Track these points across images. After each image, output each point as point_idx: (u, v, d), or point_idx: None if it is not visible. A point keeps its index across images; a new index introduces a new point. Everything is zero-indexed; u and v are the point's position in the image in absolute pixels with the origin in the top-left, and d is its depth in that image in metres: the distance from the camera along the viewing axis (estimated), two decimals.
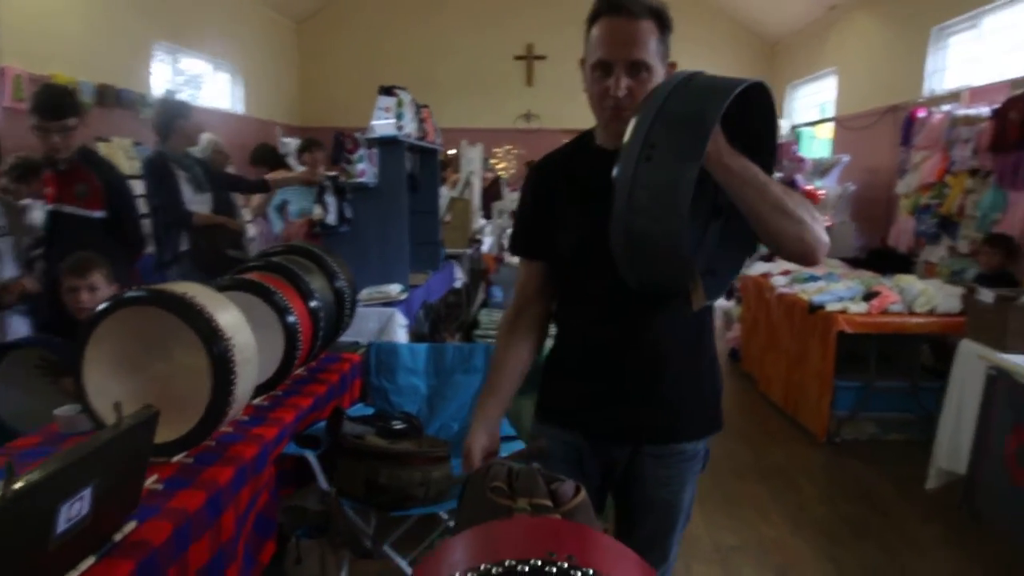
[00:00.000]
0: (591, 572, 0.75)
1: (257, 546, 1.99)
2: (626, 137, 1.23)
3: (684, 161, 1.16)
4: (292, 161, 6.02)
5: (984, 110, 4.64)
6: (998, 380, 2.90)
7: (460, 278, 5.44)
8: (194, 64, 8.18)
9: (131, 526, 1.45)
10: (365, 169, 3.66)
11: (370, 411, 2.78)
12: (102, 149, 5.52)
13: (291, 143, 8.36)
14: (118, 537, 1.41)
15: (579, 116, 8.95)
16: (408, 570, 2.38)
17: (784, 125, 9.71)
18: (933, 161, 5.16)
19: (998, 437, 2.88)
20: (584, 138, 1.63)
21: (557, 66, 10.54)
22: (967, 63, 5.73)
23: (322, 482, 2.30)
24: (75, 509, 1.24)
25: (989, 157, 4.43)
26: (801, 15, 8.85)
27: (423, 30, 10.62)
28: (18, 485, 1.07)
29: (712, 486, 3.40)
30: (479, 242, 6.41)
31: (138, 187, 5.89)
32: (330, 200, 3.65)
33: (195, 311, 1.74)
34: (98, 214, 3.23)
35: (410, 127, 3.86)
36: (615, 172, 1.23)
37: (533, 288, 1.61)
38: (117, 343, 1.80)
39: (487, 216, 7.48)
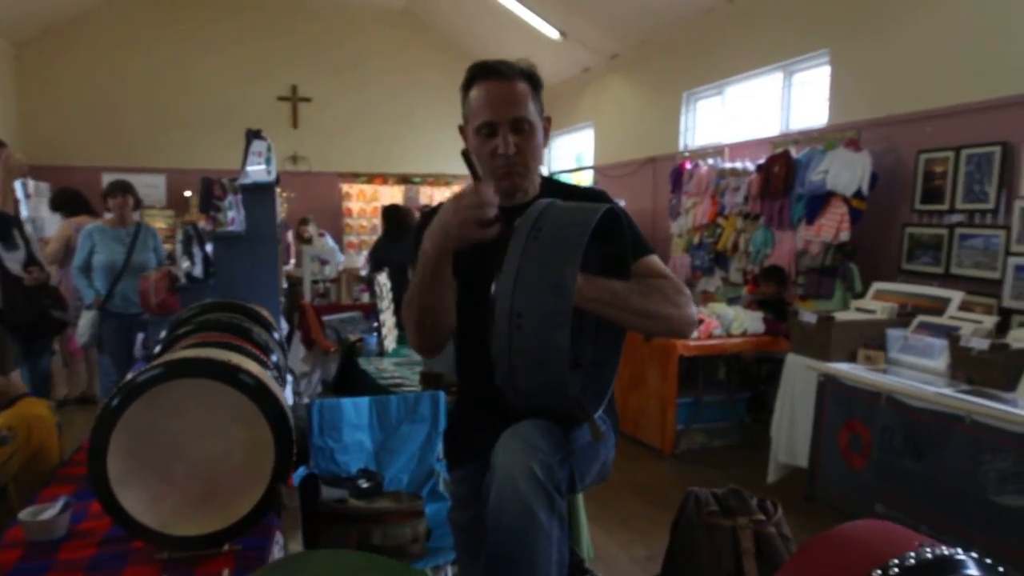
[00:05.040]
0: (946, 549, 0.95)
1: None
2: (496, 304, 1.24)
3: (553, 327, 1.18)
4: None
5: (748, 164, 5.61)
6: (827, 385, 3.56)
7: (285, 326, 5.18)
8: None
9: None
10: (235, 217, 3.41)
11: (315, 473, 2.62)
12: None
13: (40, 186, 7.31)
14: None
15: (348, 159, 9.24)
16: None
17: (544, 172, 10.63)
18: (704, 206, 6.08)
19: (832, 431, 3.53)
20: None
21: (323, 109, 10.42)
22: (716, 123, 6.85)
23: None
24: None
25: (758, 203, 5.37)
26: (557, 74, 9.78)
27: (169, 62, 9.84)
28: None
29: (600, 507, 3.66)
30: (286, 288, 6.17)
31: None
32: (197, 251, 3.34)
33: (245, 377, 1.57)
34: None
35: (275, 172, 3.68)
36: (492, 343, 1.24)
37: None
38: (143, 428, 1.54)
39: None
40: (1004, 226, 3.98)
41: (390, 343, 3.97)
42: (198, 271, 3.33)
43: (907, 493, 3.11)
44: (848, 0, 5.12)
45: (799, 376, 3.77)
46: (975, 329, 3.30)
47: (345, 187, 10.29)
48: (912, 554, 0.91)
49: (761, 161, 5.37)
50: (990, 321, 3.38)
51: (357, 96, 10.49)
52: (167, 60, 9.84)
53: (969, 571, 0.91)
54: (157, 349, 2.20)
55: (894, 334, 3.57)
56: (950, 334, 3.27)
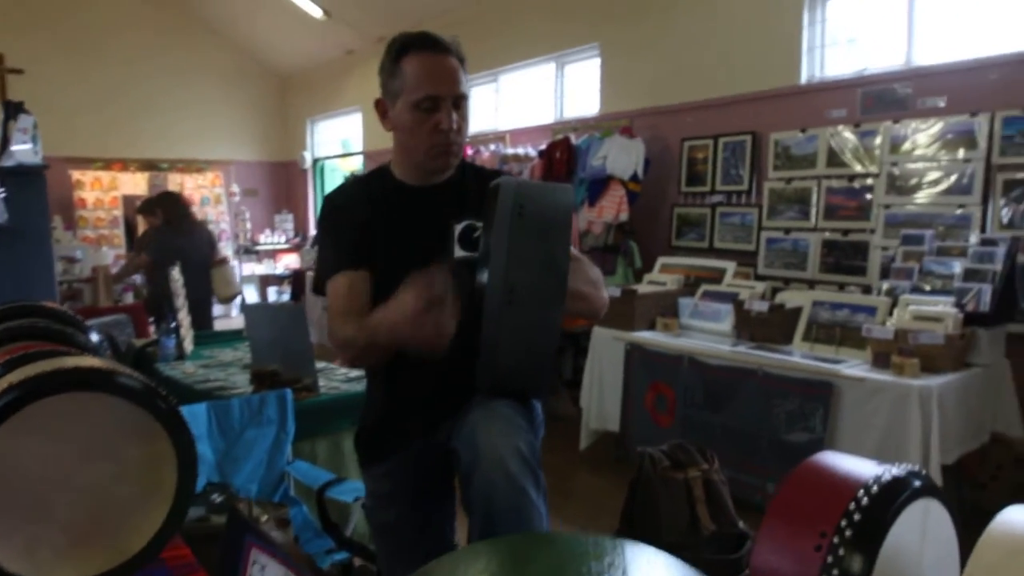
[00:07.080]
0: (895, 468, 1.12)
1: None
2: (486, 277, 1.21)
3: (548, 304, 1.20)
4: None
5: (531, 150, 5.87)
6: (633, 352, 3.88)
7: None
8: None
9: None
10: None
11: None
12: None
13: None
14: None
15: (78, 143, 8.43)
16: None
17: (307, 158, 10.21)
18: None
19: (639, 394, 3.86)
20: (380, 174, 1.64)
21: (41, 83, 8.93)
22: (491, 109, 7.07)
23: None
24: None
25: None
26: (319, 55, 9.41)
27: None
28: None
29: None
30: None
31: None
32: None
33: (126, 380, 1.34)
34: None
35: (41, 152, 3.14)
36: (484, 316, 1.21)
37: (366, 292, 1.49)
38: (5, 465, 1.25)
39: None
40: (756, 204, 4.62)
41: (189, 344, 3.59)
42: None
43: (710, 442, 3.46)
44: None
45: (605, 347, 4.06)
46: (751, 294, 3.80)
47: (77, 174, 9.01)
48: (883, 473, 1.05)
49: (543, 147, 5.65)
50: (761, 286, 3.91)
51: (86, 71, 9.17)
52: None
53: (914, 483, 1.08)
54: None
55: (684, 302, 3.99)
56: (734, 299, 3.73)
